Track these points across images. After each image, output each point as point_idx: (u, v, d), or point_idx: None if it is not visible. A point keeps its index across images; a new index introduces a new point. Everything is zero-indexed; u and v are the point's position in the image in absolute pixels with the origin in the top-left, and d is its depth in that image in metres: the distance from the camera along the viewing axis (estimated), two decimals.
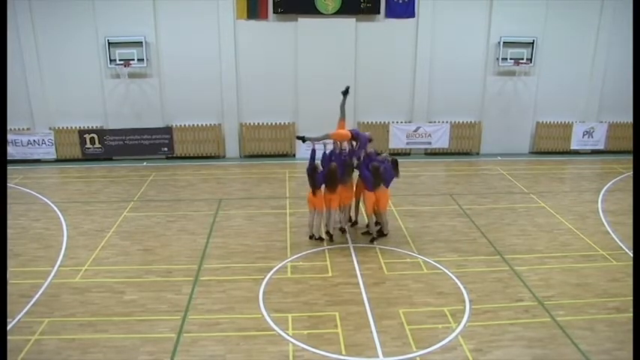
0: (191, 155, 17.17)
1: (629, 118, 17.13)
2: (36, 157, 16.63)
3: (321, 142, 10.67)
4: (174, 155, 17.09)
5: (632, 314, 7.47)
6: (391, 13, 16.45)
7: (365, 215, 10.80)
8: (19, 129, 16.35)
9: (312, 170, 10.11)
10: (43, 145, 16.57)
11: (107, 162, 16.75)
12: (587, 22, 16.89)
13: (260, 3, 16.08)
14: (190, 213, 12.31)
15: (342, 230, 10.97)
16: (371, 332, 7.56)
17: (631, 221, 11.23)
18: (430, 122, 17.47)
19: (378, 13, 16.36)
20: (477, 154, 17.86)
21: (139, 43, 15.79)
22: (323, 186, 10.19)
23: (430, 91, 17.17)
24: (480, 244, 10.60)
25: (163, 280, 9.08)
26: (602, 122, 17.82)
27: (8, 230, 10.53)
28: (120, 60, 15.81)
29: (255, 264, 9.64)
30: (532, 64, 16.82)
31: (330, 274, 9.25)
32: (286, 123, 17.18)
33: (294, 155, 17.33)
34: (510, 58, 16.65)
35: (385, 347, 7.22)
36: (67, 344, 7.24)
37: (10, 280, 8.83)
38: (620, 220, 11.83)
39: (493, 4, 16.50)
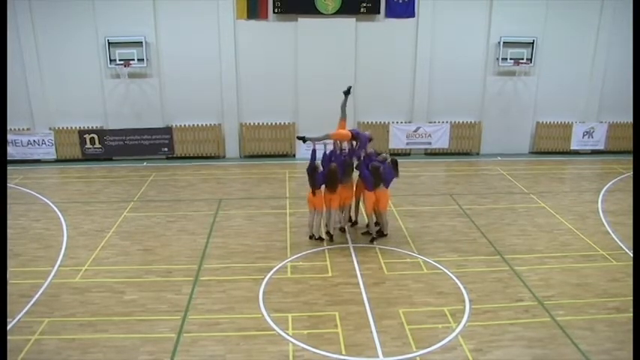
0: (191, 155, 17.17)
1: (629, 118, 17.12)
2: (36, 157, 16.63)
3: (321, 142, 10.67)
4: (174, 155, 17.09)
5: (632, 314, 7.47)
6: (391, 13, 16.45)
7: (365, 215, 10.80)
8: (19, 129, 16.35)
9: (312, 170, 10.11)
10: (43, 145, 16.57)
11: (107, 162, 16.75)
12: (587, 22, 16.89)
13: (260, 3, 16.08)
14: (190, 213, 12.31)
15: (342, 230, 10.97)
16: (371, 332, 7.56)
17: (631, 221, 11.23)
18: (430, 122, 17.47)
19: (378, 13, 16.37)
20: (477, 154, 17.85)
21: (139, 43, 15.79)
22: (323, 186, 10.19)
23: (430, 91, 17.17)
24: (480, 244, 10.60)
25: (163, 280, 9.08)
26: (602, 122, 17.82)
27: (8, 230, 10.53)
28: (120, 60, 15.81)
29: (255, 264, 9.64)
30: (532, 64, 16.82)
31: (330, 274, 9.25)
32: (286, 123, 17.18)
33: (294, 155, 17.33)
34: (510, 58, 16.65)
35: (385, 347, 7.22)
36: (67, 344, 7.24)
37: (10, 280, 8.83)
38: (620, 220, 11.83)
39: (493, 4, 16.50)
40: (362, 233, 10.89)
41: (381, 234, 10.70)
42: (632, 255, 10.02)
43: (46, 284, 8.88)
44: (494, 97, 17.35)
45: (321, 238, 10.56)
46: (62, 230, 11.24)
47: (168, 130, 16.84)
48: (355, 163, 10.55)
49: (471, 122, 17.60)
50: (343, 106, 10.58)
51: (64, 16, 15.70)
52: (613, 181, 14.93)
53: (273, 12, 16.13)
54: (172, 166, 16.48)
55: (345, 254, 10.04)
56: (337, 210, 10.57)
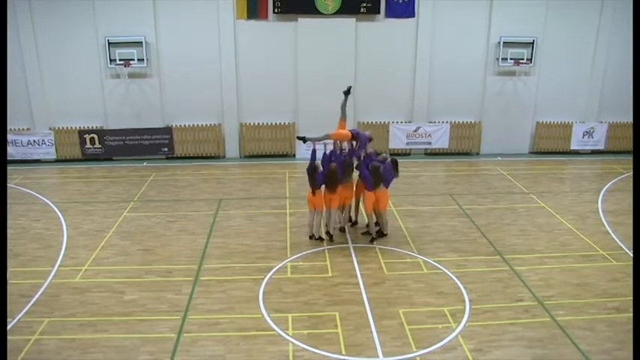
0: (191, 155, 17.16)
1: (629, 118, 17.12)
2: (36, 157, 16.63)
3: (321, 142, 10.67)
4: (174, 155, 17.09)
5: (632, 314, 7.47)
6: (391, 13, 16.45)
7: (365, 215, 10.80)
8: (19, 129, 16.35)
9: (312, 170, 10.11)
10: (43, 145, 16.57)
11: (107, 162, 16.75)
12: (587, 22, 16.89)
13: (260, 3, 16.08)
14: (190, 213, 12.31)
15: (342, 230, 10.97)
16: (371, 332, 7.56)
17: (631, 221, 11.23)
18: (430, 122, 17.47)
19: (378, 13, 16.37)
20: (477, 154, 17.85)
21: (139, 43, 15.79)
22: (323, 186, 10.19)
23: (430, 91, 17.17)
24: (480, 244, 10.60)
25: (163, 280, 9.08)
26: (602, 122, 17.82)
27: (8, 230, 10.53)
28: (120, 60, 15.81)
29: (255, 264, 9.64)
30: (532, 64, 16.82)
31: (330, 274, 9.25)
32: (286, 123, 17.18)
33: (294, 155, 17.33)
34: (510, 58, 16.65)
35: (385, 347, 7.22)
36: (67, 344, 7.24)
37: (10, 280, 8.83)
38: (620, 220, 11.83)
39: (493, 4, 16.50)
40: (362, 233, 10.89)
41: (380, 234, 10.70)
42: (632, 255, 10.02)
43: (46, 284, 8.88)
44: (494, 97, 17.35)
45: (321, 238, 10.56)
46: (62, 230, 11.24)
47: (168, 130, 16.83)
48: (355, 163, 10.55)
49: (470, 122, 17.59)
50: (343, 106, 10.58)
51: (64, 16, 15.70)
52: (613, 181, 14.93)
53: (273, 12, 16.13)
54: (172, 166, 16.48)
55: (345, 254, 10.04)
56: (337, 210, 10.57)
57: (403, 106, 17.39)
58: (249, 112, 17.02)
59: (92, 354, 7.05)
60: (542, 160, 17.37)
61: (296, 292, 8.65)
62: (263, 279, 9.02)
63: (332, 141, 10.60)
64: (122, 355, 7.04)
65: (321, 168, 10.25)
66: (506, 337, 7.44)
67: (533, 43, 16.57)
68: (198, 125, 16.94)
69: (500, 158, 17.32)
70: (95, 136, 16.64)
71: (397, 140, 17.41)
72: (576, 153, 18.01)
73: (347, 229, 11.04)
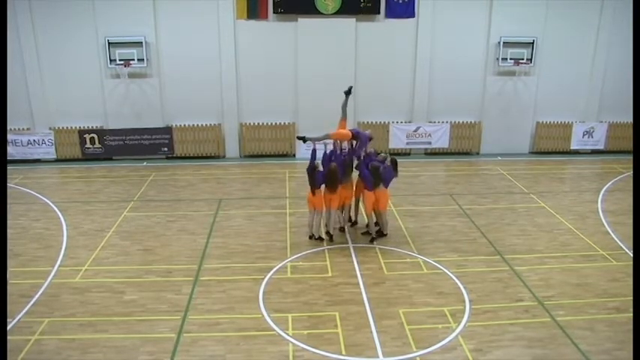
0: (191, 155, 17.17)
1: (629, 118, 17.13)
2: (36, 157, 16.63)
3: (321, 142, 10.66)
4: (175, 155, 17.09)
5: (632, 314, 7.47)
6: (391, 13, 16.45)
7: (365, 215, 10.80)
8: (19, 129, 16.35)
9: (312, 170, 10.11)
10: (43, 145, 16.57)
11: (107, 162, 16.75)
12: (587, 22, 16.89)
13: (260, 3, 16.08)
14: (190, 213, 12.31)
15: (342, 230, 10.97)
16: (371, 332, 7.56)
17: (631, 221, 11.24)
18: (430, 122, 17.47)
19: (378, 13, 16.37)
20: (477, 154, 17.86)
21: (139, 43, 15.79)
22: (323, 186, 10.19)
23: (430, 91, 17.17)
24: (480, 244, 10.60)
25: (163, 280, 9.08)
26: (602, 122, 17.83)
27: (8, 230, 10.53)
28: (120, 60, 15.81)
29: (255, 264, 9.63)
30: (532, 64, 16.82)
31: (330, 274, 9.25)
32: (286, 123, 17.18)
33: (294, 155, 17.33)
34: (510, 58, 16.66)
35: (385, 347, 7.22)
36: (67, 344, 7.24)
37: (10, 280, 8.83)
38: (620, 220, 11.83)
39: (493, 4, 16.50)
40: (362, 233, 10.89)
41: (380, 234, 10.70)
42: (632, 255, 10.02)
43: (46, 284, 8.87)
44: (494, 97, 17.35)
45: (321, 238, 10.56)
46: (62, 230, 11.24)
47: (168, 130, 16.84)
48: (355, 162, 10.55)
49: (470, 122, 17.60)
50: (344, 106, 10.58)
51: (64, 16, 15.71)
52: (613, 180, 14.93)
53: (273, 12, 16.13)
54: (172, 165, 16.48)
55: (345, 254, 10.04)
56: (337, 210, 10.57)
57: (403, 106, 17.39)
58: (249, 112, 17.02)
59: (92, 354, 7.05)
60: (542, 159, 17.37)
61: (296, 292, 8.65)
62: (263, 279, 9.02)
63: (332, 141, 10.59)
64: (122, 355, 7.04)
65: (321, 168, 10.25)
66: (507, 337, 7.44)
67: (533, 43, 16.57)
68: (198, 125, 16.94)
69: (500, 158, 17.33)
70: (95, 136, 16.64)
71: (397, 140, 17.41)
72: (576, 153, 18.01)
73: (347, 229, 11.04)
